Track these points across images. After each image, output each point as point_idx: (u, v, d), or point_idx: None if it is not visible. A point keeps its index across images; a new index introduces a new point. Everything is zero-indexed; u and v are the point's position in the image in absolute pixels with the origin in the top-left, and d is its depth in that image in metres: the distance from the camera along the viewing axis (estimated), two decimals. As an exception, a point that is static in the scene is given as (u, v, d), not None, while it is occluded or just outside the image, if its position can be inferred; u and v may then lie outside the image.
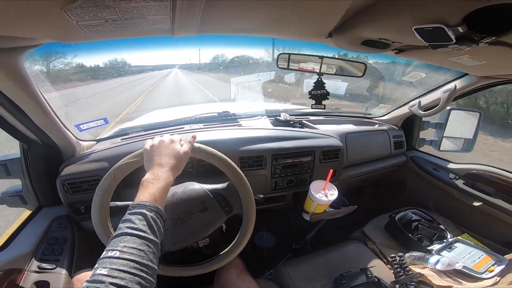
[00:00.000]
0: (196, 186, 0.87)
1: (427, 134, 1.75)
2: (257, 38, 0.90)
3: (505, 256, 1.10)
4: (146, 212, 0.54)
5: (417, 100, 1.49)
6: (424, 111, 1.46)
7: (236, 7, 0.61)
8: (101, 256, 0.47)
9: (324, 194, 1.09)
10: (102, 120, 1.22)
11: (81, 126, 1.16)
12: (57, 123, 0.97)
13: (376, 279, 1.02)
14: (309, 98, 1.17)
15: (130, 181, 0.82)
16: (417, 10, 0.53)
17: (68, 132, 1.05)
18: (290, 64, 1.12)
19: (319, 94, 1.14)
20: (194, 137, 0.79)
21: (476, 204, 1.40)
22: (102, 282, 0.41)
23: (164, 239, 0.76)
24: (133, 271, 0.44)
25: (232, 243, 0.85)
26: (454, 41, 0.56)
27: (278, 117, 1.51)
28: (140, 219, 0.53)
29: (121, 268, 0.43)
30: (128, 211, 0.55)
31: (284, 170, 1.24)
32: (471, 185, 1.46)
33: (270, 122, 1.51)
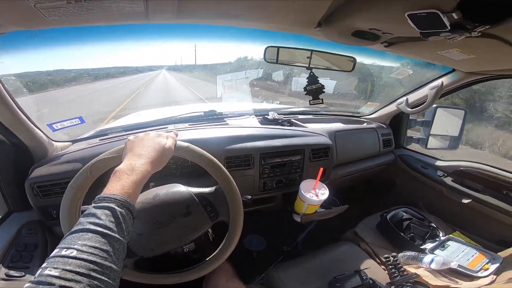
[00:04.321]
0: (181, 189, 0.80)
1: (415, 132, 1.76)
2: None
3: (498, 254, 1.09)
4: (115, 207, 0.47)
5: (404, 98, 1.49)
6: (411, 108, 1.45)
7: None
8: (51, 254, 0.38)
9: (314, 193, 1.05)
10: (77, 119, 1.14)
11: (54, 126, 1.08)
12: (25, 122, 0.90)
13: (371, 281, 0.99)
14: (306, 94, 1.13)
15: None
16: None
17: (39, 131, 0.98)
18: (278, 58, 1.08)
19: (314, 88, 1.11)
20: (176, 133, 0.74)
21: (466, 201, 1.40)
22: (50, 284, 0.33)
23: (140, 244, 0.72)
24: (92, 274, 0.37)
25: (217, 250, 0.80)
26: (449, 28, 0.54)
27: (266, 116, 1.48)
28: (107, 214, 0.45)
29: (77, 269, 0.36)
30: (93, 204, 0.47)
31: (273, 169, 1.20)
32: (459, 182, 1.47)
33: (258, 121, 1.48)
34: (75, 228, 0.43)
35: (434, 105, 1.46)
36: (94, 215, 0.44)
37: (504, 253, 1.10)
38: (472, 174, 1.43)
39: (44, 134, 1.02)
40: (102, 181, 0.68)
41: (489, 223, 1.33)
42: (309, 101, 1.13)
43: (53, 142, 1.08)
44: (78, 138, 1.24)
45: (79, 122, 1.17)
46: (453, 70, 1.28)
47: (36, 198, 0.93)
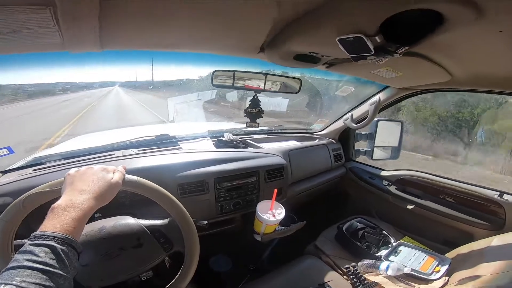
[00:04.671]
0: (130, 221, 0.77)
1: (361, 145, 1.88)
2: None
3: (446, 255, 1.17)
4: (55, 244, 0.44)
5: (349, 114, 1.60)
6: (356, 123, 1.56)
7: (145, 22, 0.55)
8: None
9: (271, 214, 1.07)
10: (6, 149, 1.03)
11: (-22, 157, 0.95)
12: None
13: (335, 293, 1.00)
14: (244, 116, 1.16)
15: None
16: (339, 20, 0.55)
17: None
18: (226, 81, 1.08)
19: (254, 112, 1.13)
20: (124, 167, 0.70)
21: (410, 207, 1.52)
22: None
23: (86, 275, 0.67)
24: None
25: (174, 279, 0.76)
26: (373, 51, 0.59)
27: (221, 138, 1.47)
28: (46, 251, 0.42)
29: None
30: (29, 241, 0.44)
31: (229, 193, 1.19)
32: (402, 190, 1.60)
33: (213, 143, 1.45)
34: (11, 264, 0.41)
35: (376, 119, 1.60)
36: (31, 252, 0.42)
37: (451, 254, 1.17)
38: (412, 182, 1.56)
39: None
40: (39, 214, 0.63)
41: (432, 226, 1.45)
42: (246, 123, 1.16)
43: None
44: (8, 168, 1.10)
45: (8, 152, 1.05)
46: (388, 86, 1.42)
47: None
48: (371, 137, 1.69)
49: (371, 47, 0.57)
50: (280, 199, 1.33)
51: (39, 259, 0.41)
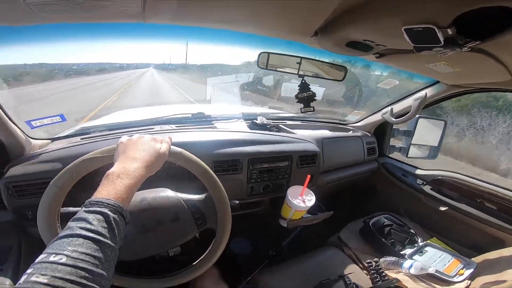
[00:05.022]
0: (169, 194, 0.79)
1: (397, 141, 1.82)
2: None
3: (472, 259, 1.15)
4: (108, 212, 0.45)
5: (389, 107, 1.53)
6: (395, 118, 1.50)
7: None
8: (37, 260, 0.36)
9: (301, 200, 1.06)
10: (58, 117, 1.09)
11: (32, 123, 1.03)
12: (1, 117, 0.85)
13: (354, 286, 1.01)
14: (297, 102, 1.14)
15: (92, 184, 0.73)
16: (410, 9, 0.52)
17: (16, 128, 0.93)
18: (270, 64, 1.08)
19: (305, 96, 1.11)
20: (170, 138, 0.72)
21: (443, 208, 1.46)
22: None
23: (122, 246, 0.70)
24: (84, 281, 0.35)
25: (203, 255, 0.79)
26: (442, 43, 0.56)
27: (254, 121, 1.48)
28: (99, 219, 0.43)
29: (67, 277, 0.34)
30: (84, 208, 0.45)
31: (261, 175, 1.20)
32: (437, 190, 1.53)
33: (247, 125, 1.47)
34: (64, 233, 0.41)
35: (416, 116, 1.52)
36: (85, 219, 0.42)
37: (477, 259, 1.16)
38: (449, 183, 1.50)
39: (22, 131, 0.96)
40: (84, 184, 0.66)
41: (463, 230, 1.40)
42: (301, 109, 1.14)
43: (31, 140, 1.02)
44: (57, 136, 1.18)
45: (60, 120, 1.12)
46: (437, 82, 1.34)
47: (11, 198, 0.87)
48: (409, 134, 1.62)
49: (441, 39, 0.54)
50: (310, 186, 1.32)
51: (92, 227, 0.41)
